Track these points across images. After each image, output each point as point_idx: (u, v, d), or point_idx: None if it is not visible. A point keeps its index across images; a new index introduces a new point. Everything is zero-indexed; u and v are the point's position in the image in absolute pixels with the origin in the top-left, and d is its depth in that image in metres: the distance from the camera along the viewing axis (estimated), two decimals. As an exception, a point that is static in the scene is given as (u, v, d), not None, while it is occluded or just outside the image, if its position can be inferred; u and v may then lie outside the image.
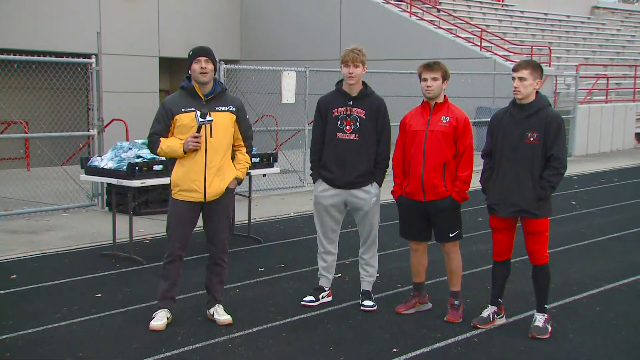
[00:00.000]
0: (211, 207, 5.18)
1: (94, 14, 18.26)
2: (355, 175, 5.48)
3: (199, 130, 5.00)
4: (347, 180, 5.49)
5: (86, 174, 7.62)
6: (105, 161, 7.45)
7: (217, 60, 5.18)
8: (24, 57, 9.60)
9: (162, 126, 5.11)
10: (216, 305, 5.33)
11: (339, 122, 5.48)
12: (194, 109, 5.02)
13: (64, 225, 8.78)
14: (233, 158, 5.30)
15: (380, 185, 5.61)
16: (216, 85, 5.16)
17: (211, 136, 5.05)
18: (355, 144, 5.46)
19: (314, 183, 5.70)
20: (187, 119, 5.04)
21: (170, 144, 5.07)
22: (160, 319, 5.13)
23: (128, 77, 18.66)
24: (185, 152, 5.03)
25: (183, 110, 5.06)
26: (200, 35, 20.55)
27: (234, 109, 5.19)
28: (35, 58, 9.89)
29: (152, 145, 5.14)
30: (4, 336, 5.02)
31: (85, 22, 17.68)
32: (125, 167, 7.11)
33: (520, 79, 5.01)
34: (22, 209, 9.40)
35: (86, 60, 9.85)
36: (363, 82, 5.57)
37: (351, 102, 5.48)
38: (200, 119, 4.96)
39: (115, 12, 18.80)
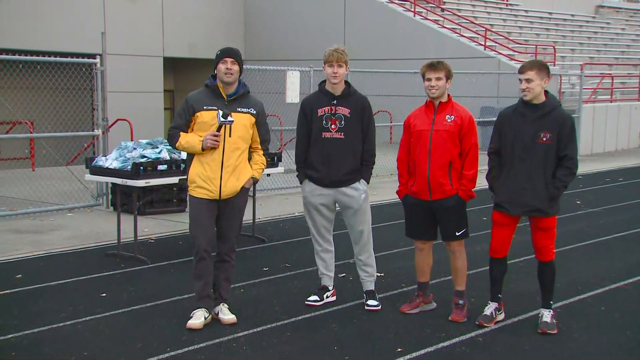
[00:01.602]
0: (225, 205, 5.23)
1: (99, 14, 18.31)
2: (342, 174, 5.49)
3: (219, 130, 5.07)
4: (334, 179, 5.51)
5: (91, 174, 7.63)
6: (110, 161, 7.46)
7: (242, 62, 5.27)
8: (28, 58, 9.63)
9: (183, 121, 5.20)
10: (221, 304, 5.34)
11: (324, 122, 5.50)
12: (216, 108, 5.09)
13: (69, 225, 8.80)
14: (249, 159, 5.36)
15: (367, 182, 5.62)
16: (240, 87, 5.24)
17: (230, 136, 5.11)
18: (341, 142, 5.48)
19: (300, 183, 5.72)
20: (207, 117, 5.12)
21: (189, 140, 5.15)
22: (198, 318, 5.15)
23: (132, 77, 18.69)
24: (203, 150, 5.10)
25: (205, 107, 5.14)
26: (204, 35, 20.61)
27: (254, 112, 5.25)
28: (40, 58, 9.92)
29: (171, 138, 5.22)
30: (10, 335, 5.03)
31: (90, 23, 17.73)
32: (129, 167, 7.12)
33: (527, 80, 5.02)
34: (27, 208, 9.43)
35: (91, 60, 9.87)
36: (346, 82, 5.60)
37: (335, 102, 5.51)
38: (222, 119, 5.02)
39: (120, 13, 18.84)
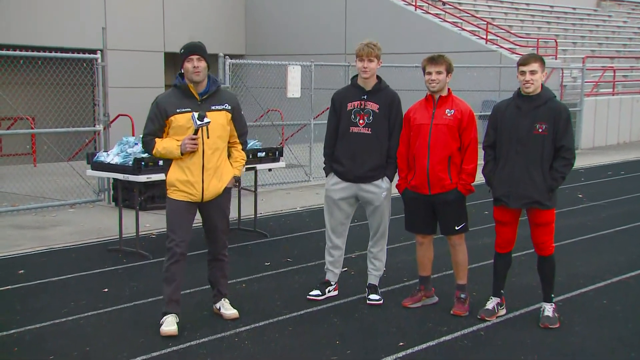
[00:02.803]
0: (209, 207, 5.06)
1: (99, 9, 18.29)
2: (366, 169, 5.48)
3: (196, 132, 4.85)
4: (358, 174, 5.50)
5: (92, 170, 7.63)
6: (111, 156, 7.46)
7: (208, 56, 5.01)
8: (29, 53, 9.63)
9: (157, 127, 4.96)
10: (222, 299, 5.32)
11: (353, 116, 5.49)
12: (190, 110, 4.88)
13: (71, 221, 8.81)
14: (228, 155, 5.18)
15: (391, 180, 5.61)
16: (210, 84, 5.00)
17: (208, 137, 4.90)
18: (368, 137, 5.46)
19: (326, 176, 5.72)
20: (182, 120, 4.89)
21: (166, 146, 4.92)
22: (170, 324, 4.95)
23: (134, 73, 18.67)
24: (182, 154, 4.90)
25: (178, 110, 4.90)
26: (205, 30, 20.56)
27: (229, 108, 5.04)
28: (41, 54, 9.91)
29: (147, 146, 5.00)
30: (12, 331, 5.04)
31: (91, 18, 17.71)
32: (131, 162, 7.12)
33: (532, 72, 5.00)
34: (28, 204, 9.43)
35: (92, 55, 9.87)
36: (378, 77, 5.57)
37: (365, 96, 5.49)
38: (198, 122, 4.78)
39: (121, 8, 18.82)
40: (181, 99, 4.95)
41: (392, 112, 5.51)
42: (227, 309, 5.28)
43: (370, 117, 5.46)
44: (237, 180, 5.23)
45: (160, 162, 7.16)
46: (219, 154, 5.02)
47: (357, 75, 5.59)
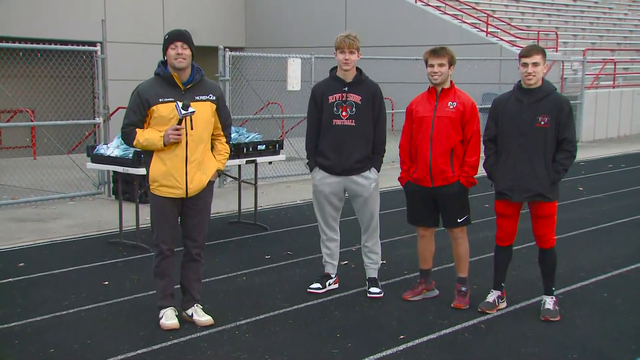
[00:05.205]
0: (192, 202, 4.91)
1: (99, 1, 18.23)
2: (353, 161, 5.46)
3: (180, 122, 4.69)
4: (345, 167, 5.48)
5: (92, 162, 7.62)
6: (111, 149, 7.45)
7: (194, 46, 4.80)
8: (29, 45, 9.61)
9: (138, 117, 4.77)
10: (195, 305, 5.08)
11: (335, 109, 5.46)
12: (173, 99, 4.71)
13: (71, 214, 8.81)
14: (212, 148, 5.02)
15: (378, 171, 5.60)
16: (194, 72, 4.81)
17: (192, 128, 4.73)
18: (352, 129, 5.44)
19: (310, 172, 5.69)
20: (165, 110, 4.72)
21: (148, 137, 4.74)
22: (170, 318, 4.94)
23: (133, 65, 18.60)
24: (165, 145, 4.73)
25: (160, 100, 4.72)
26: (205, 22, 20.52)
27: (214, 98, 4.86)
28: (40, 46, 9.89)
29: (127, 137, 4.81)
30: (13, 323, 5.05)
31: (91, 10, 17.67)
32: (131, 155, 7.11)
33: (534, 64, 4.98)
34: (29, 197, 9.43)
35: (91, 48, 9.85)
36: (357, 68, 5.54)
37: (346, 88, 5.46)
38: (183, 111, 4.63)
39: (120, 0, 18.76)
40: (164, 88, 4.77)
41: (376, 103, 5.49)
42: (200, 315, 5.03)
43: (353, 109, 5.44)
44: (219, 174, 5.09)
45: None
46: (203, 146, 4.86)
47: (335, 68, 5.56)
